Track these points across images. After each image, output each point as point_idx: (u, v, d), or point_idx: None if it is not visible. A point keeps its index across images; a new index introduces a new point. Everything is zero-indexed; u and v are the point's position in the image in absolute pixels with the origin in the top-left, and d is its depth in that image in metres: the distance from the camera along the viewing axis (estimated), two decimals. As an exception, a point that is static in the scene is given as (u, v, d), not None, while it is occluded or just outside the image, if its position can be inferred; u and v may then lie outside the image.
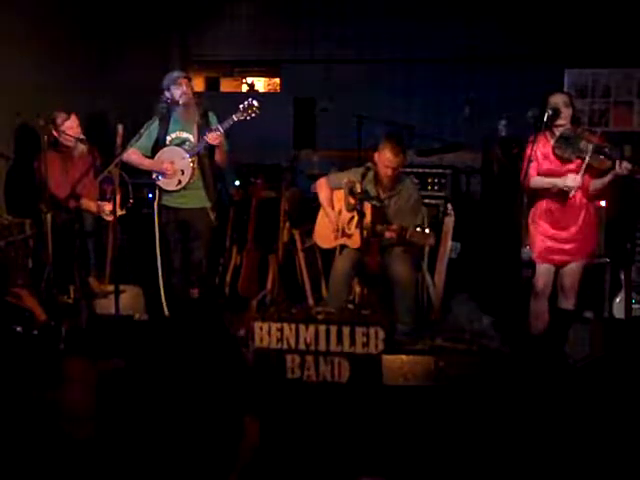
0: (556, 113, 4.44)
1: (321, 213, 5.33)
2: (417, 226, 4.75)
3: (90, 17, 6.45)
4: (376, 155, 5.02)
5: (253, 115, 4.96)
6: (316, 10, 7.68)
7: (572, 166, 4.47)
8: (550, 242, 4.63)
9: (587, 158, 4.37)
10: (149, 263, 5.25)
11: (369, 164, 5.10)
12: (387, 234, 4.86)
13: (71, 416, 3.29)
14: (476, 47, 7.24)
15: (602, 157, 4.36)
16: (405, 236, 4.73)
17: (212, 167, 5.19)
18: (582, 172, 4.43)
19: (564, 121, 4.49)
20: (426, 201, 6.13)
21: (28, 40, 5.70)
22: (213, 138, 4.97)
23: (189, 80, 5.18)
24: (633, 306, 4.95)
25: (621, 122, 7.15)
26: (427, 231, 4.69)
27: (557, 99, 4.50)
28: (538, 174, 4.55)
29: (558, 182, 4.50)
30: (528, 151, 4.50)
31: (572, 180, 4.46)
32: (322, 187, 5.28)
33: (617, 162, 4.31)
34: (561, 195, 4.52)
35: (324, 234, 5.31)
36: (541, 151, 4.55)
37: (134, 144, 4.96)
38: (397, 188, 5.07)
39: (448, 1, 7.32)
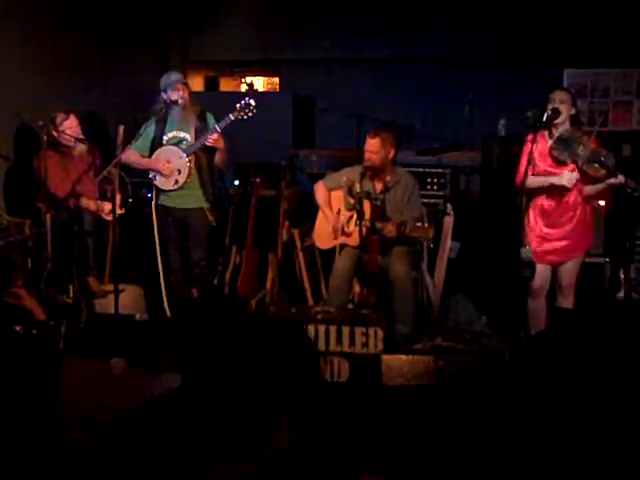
0: (555, 113, 4.44)
1: (320, 215, 5.33)
2: (416, 220, 4.76)
3: (90, 17, 6.45)
4: None
5: (250, 114, 4.97)
6: (316, 10, 7.67)
7: (567, 169, 4.48)
8: (545, 242, 4.64)
9: (581, 164, 4.38)
10: (149, 263, 5.25)
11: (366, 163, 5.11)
12: (386, 230, 4.84)
13: (69, 417, 3.28)
14: (476, 47, 7.24)
15: (597, 165, 4.37)
16: (404, 231, 4.72)
17: (210, 167, 5.20)
18: (576, 173, 4.44)
19: (563, 120, 4.49)
20: (425, 201, 6.12)
21: (28, 40, 5.69)
22: (213, 140, 4.97)
23: (186, 84, 5.18)
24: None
25: (620, 122, 7.15)
26: (426, 225, 4.69)
27: (557, 96, 4.50)
28: (534, 174, 4.55)
29: (554, 180, 4.51)
30: (526, 150, 4.50)
31: (568, 180, 4.46)
32: (319, 189, 5.29)
33: (612, 176, 4.32)
34: (556, 193, 4.54)
35: (323, 236, 5.31)
36: (539, 151, 4.55)
37: (133, 147, 4.97)
38: (393, 180, 5.07)
39: (448, 1, 7.32)
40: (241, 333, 1.34)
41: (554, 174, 4.52)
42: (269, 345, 1.32)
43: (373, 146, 4.96)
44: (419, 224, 4.69)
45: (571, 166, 4.47)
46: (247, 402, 1.28)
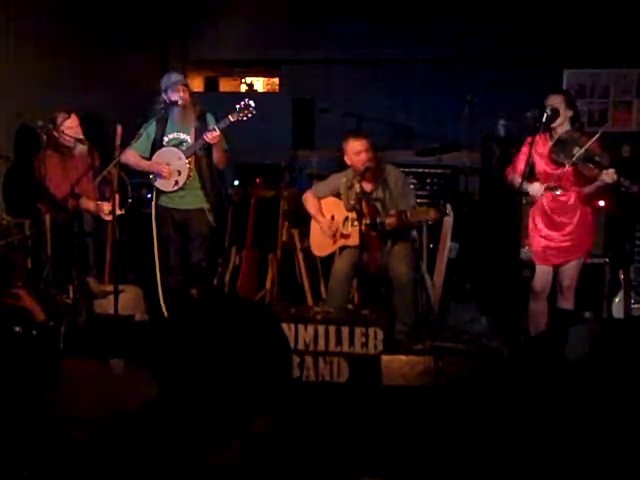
0: (555, 114, 4.45)
1: (313, 225, 5.32)
2: (413, 208, 4.77)
3: (90, 17, 6.45)
4: (346, 157, 5.02)
5: (250, 115, 4.96)
6: (316, 10, 7.68)
7: (564, 170, 4.48)
8: (546, 242, 4.65)
9: (577, 164, 4.40)
10: (148, 263, 5.25)
11: (357, 168, 5.06)
12: (388, 223, 4.83)
13: (69, 417, 3.28)
14: (476, 47, 7.24)
15: (591, 165, 4.39)
16: (406, 218, 4.71)
17: (210, 168, 5.19)
18: (543, 186, 4.49)
19: (561, 122, 4.50)
20: (425, 201, 6.12)
21: (28, 40, 5.69)
22: (212, 137, 4.97)
23: (187, 85, 5.17)
24: (632, 306, 4.96)
25: (620, 122, 7.15)
26: (425, 208, 4.69)
27: (555, 100, 4.51)
28: (538, 174, 4.57)
29: (524, 186, 4.55)
30: (524, 151, 4.52)
31: (533, 189, 4.55)
32: (309, 199, 5.29)
33: (604, 171, 4.33)
34: (556, 194, 4.56)
35: (320, 243, 5.30)
36: (538, 152, 4.56)
37: (133, 147, 4.97)
38: (382, 177, 5.07)
39: (448, 1, 7.32)
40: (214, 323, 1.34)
41: (552, 175, 4.54)
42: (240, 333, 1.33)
43: (365, 145, 4.95)
44: (420, 208, 4.70)
45: (567, 169, 4.48)
46: (221, 392, 1.29)
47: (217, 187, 5.45)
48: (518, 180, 4.47)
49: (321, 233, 5.24)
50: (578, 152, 4.39)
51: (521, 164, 4.46)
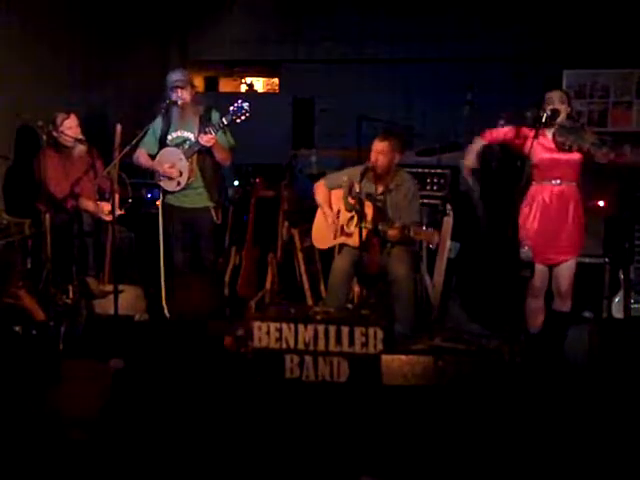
0: (555, 114, 4.47)
1: (318, 215, 5.33)
2: (415, 224, 4.78)
3: (90, 17, 6.45)
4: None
5: (243, 118, 4.92)
6: (316, 10, 7.68)
7: (572, 155, 4.50)
8: (543, 240, 4.66)
9: (588, 149, 4.41)
10: (151, 263, 5.26)
11: (368, 163, 5.11)
12: (390, 234, 4.85)
13: (70, 417, 3.29)
14: (476, 47, 7.24)
15: (605, 150, 4.39)
16: (408, 234, 4.74)
17: (214, 166, 5.19)
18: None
19: (562, 120, 4.52)
20: (425, 201, 6.11)
21: (28, 40, 5.69)
22: (206, 140, 4.97)
23: (185, 86, 5.14)
24: (632, 306, 4.96)
25: (620, 122, 7.15)
26: (431, 229, 4.71)
27: (554, 95, 4.54)
28: (540, 163, 4.57)
29: (522, 254, 4.64)
30: (521, 131, 4.63)
31: (524, 254, 4.60)
32: (319, 188, 5.30)
33: (620, 147, 4.39)
34: (554, 186, 4.58)
35: (322, 235, 5.31)
36: (541, 145, 4.57)
37: (140, 144, 4.97)
38: (395, 182, 5.08)
39: (448, 1, 7.32)
40: None
41: (559, 160, 4.54)
42: None
43: (382, 148, 4.99)
44: (423, 227, 4.73)
45: (574, 154, 4.50)
46: None
47: (222, 185, 5.47)
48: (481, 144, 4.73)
49: (324, 225, 5.25)
50: (590, 137, 4.44)
51: (501, 135, 4.73)
